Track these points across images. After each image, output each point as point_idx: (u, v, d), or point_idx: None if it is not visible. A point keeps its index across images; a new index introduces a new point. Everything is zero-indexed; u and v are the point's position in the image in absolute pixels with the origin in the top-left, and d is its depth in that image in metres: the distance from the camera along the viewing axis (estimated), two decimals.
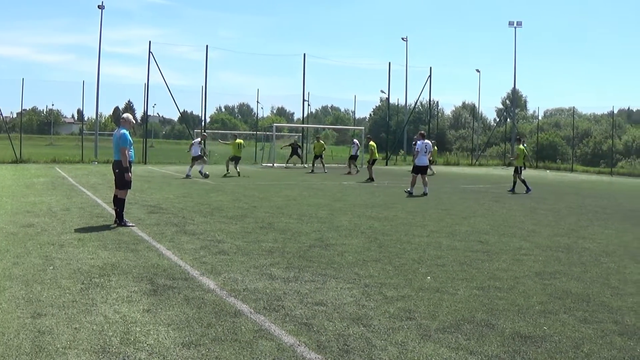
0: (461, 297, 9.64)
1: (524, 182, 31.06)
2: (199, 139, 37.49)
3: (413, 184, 27.88)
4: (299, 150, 54.18)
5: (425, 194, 27.27)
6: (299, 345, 7.12)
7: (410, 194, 27.35)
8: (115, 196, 15.94)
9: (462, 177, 43.91)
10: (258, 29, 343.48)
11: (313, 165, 45.05)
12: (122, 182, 15.72)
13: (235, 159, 38.27)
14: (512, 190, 31.08)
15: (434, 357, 6.91)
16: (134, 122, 16.35)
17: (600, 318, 8.80)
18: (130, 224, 15.59)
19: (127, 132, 15.64)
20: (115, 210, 15.95)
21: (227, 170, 38.74)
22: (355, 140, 48.72)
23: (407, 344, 7.26)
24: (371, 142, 39.05)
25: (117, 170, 15.84)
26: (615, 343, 7.68)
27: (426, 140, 28.80)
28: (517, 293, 10.04)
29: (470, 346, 7.31)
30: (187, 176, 34.74)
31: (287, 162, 51.86)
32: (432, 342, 7.39)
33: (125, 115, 16.28)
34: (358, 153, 47.54)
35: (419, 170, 28.37)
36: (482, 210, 21.99)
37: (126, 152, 15.43)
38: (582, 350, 7.36)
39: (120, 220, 15.78)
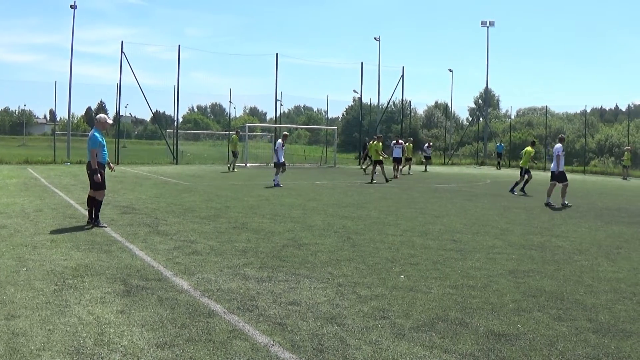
0: (435, 295, 9.67)
1: (518, 183, 31.07)
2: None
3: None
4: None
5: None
6: (273, 345, 7.12)
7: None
8: (89, 197, 15.84)
9: (435, 176, 43.99)
10: (230, 28, 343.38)
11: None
12: (93, 183, 15.62)
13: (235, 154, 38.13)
14: (523, 191, 30.62)
15: (408, 355, 6.93)
16: (109, 122, 16.26)
17: (574, 316, 8.86)
18: (103, 225, 15.53)
19: (97, 134, 15.56)
20: (88, 211, 15.88)
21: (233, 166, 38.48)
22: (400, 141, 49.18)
23: (381, 343, 7.28)
24: (378, 143, 36.93)
25: (88, 172, 15.81)
26: (589, 340, 7.73)
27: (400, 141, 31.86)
28: (491, 291, 10.08)
29: (444, 344, 7.34)
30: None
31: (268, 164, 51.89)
32: (406, 340, 7.41)
33: (98, 116, 16.20)
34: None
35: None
36: (456, 209, 22.06)
37: (95, 153, 15.39)
38: (557, 347, 7.40)
39: (94, 221, 15.72)
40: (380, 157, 35.48)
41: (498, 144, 65.90)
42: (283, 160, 31.92)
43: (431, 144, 57.18)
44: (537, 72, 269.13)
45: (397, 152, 39.06)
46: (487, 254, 13.36)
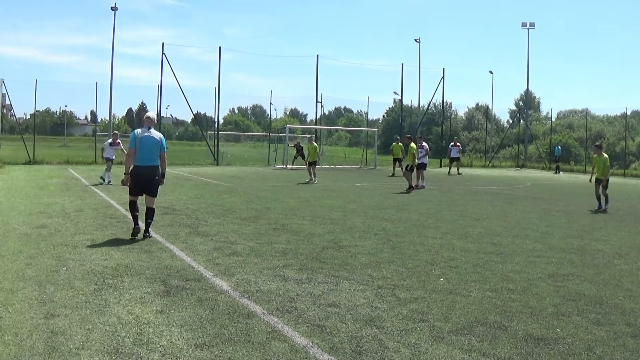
0: (474, 299, 9.64)
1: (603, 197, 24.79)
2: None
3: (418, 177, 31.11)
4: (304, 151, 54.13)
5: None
6: (312, 346, 7.12)
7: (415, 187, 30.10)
8: (133, 203, 14.71)
9: (476, 178, 43.78)
10: (270, 29, 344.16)
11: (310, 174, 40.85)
12: (156, 190, 14.70)
13: (312, 163, 37.15)
14: (600, 207, 24.40)
15: (446, 359, 6.91)
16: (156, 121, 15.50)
17: (613, 320, 8.79)
18: (152, 235, 14.57)
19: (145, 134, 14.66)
20: (147, 222, 14.68)
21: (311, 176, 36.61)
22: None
23: (419, 346, 7.26)
24: (411, 144, 33.26)
25: (156, 177, 14.54)
26: (628, 345, 7.67)
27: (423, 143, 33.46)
28: (530, 295, 10.03)
29: (483, 348, 7.31)
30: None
31: (292, 164, 51.62)
32: (444, 343, 7.39)
33: (153, 114, 15.24)
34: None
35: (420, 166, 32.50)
36: (496, 212, 21.97)
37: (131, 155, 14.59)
38: (595, 352, 7.35)
39: (148, 232, 14.61)
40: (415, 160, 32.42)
41: (556, 146, 65.16)
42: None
43: (458, 143, 53.96)
44: (578, 74, 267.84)
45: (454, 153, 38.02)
46: (526, 257, 13.29)
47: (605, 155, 23.95)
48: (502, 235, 16.26)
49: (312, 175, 34.47)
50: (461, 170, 51.37)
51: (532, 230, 17.56)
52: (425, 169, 33.73)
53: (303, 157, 53.03)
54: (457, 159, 50.46)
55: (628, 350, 7.50)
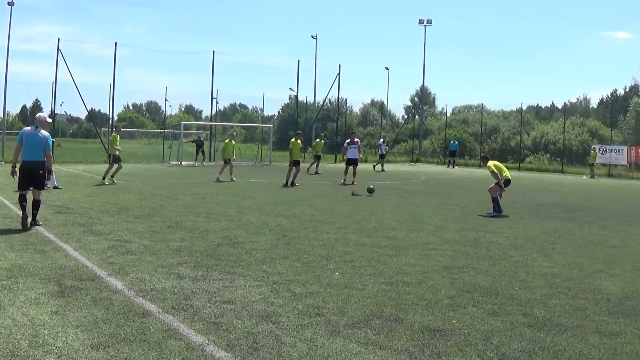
0: (369, 292, 9.73)
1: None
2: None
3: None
4: (203, 148, 53.80)
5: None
6: (208, 344, 7.12)
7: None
8: (22, 196, 15.42)
9: (370, 173, 44.01)
10: (168, 26, 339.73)
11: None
12: (42, 182, 15.49)
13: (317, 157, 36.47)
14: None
15: (343, 352, 6.97)
16: (49, 121, 16.11)
17: (509, 310, 8.99)
18: (40, 223, 15.36)
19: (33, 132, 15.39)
20: (33, 212, 15.49)
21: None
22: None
23: (316, 340, 7.31)
24: (295, 140, 32.87)
25: (41, 172, 15.33)
26: (525, 335, 7.86)
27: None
28: (426, 287, 10.18)
29: (379, 341, 7.39)
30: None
31: (195, 160, 51.33)
32: (341, 337, 7.45)
33: (37, 115, 16.05)
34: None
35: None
36: (390, 207, 22.19)
37: (19, 150, 15.32)
38: (492, 342, 7.51)
39: (35, 221, 15.45)
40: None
41: (452, 141, 65.87)
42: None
43: (386, 139, 54.94)
44: (474, 70, 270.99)
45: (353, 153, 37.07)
46: (421, 251, 13.48)
47: (490, 165, 23.02)
48: (397, 229, 16.44)
49: (290, 179, 33.00)
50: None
51: (426, 223, 17.80)
52: (356, 164, 34.38)
53: (203, 153, 52.73)
54: (383, 155, 50.92)
55: (525, 340, 7.68)
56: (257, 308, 8.64)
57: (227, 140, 36.11)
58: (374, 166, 50.87)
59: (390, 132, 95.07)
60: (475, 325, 8.21)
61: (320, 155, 44.34)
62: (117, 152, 29.47)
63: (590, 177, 51.99)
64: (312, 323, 8.00)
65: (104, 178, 29.06)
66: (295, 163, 31.48)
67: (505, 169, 21.90)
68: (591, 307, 9.45)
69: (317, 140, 45.90)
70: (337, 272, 11.11)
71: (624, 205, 27.17)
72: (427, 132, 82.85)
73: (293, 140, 32.07)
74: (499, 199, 21.05)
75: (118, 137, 30.46)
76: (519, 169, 60.88)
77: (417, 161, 71.40)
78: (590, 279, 11.48)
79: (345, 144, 34.79)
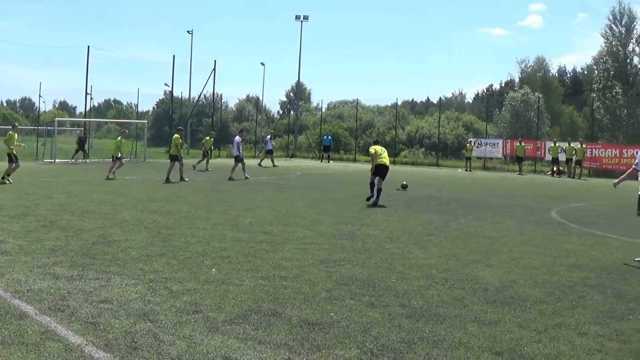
0: (247, 287, 9.72)
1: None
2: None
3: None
4: (85, 145, 52.93)
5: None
6: (86, 344, 6.99)
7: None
8: None
9: (246, 169, 43.89)
10: (42, 20, 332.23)
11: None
12: None
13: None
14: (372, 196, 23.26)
15: (222, 349, 6.93)
16: None
17: (387, 302, 9.08)
18: None
19: None
20: None
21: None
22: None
23: (194, 337, 7.26)
24: (175, 135, 33.06)
25: None
26: (403, 325, 7.95)
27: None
28: (303, 281, 10.21)
29: (258, 336, 7.38)
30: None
31: (72, 158, 50.39)
32: (219, 334, 7.41)
33: None
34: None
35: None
36: (266, 202, 22.19)
37: None
38: (371, 334, 7.57)
39: None
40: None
41: (325, 137, 66.12)
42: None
43: (273, 135, 55.52)
44: (350, 66, 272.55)
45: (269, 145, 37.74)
46: (298, 245, 13.53)
47: (371, 148, 23.77)
48: (273, 224, 16.44)
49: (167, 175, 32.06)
50: (228, 161, 51.28)
51: (302, 218, 17.85)
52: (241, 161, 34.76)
53: (84, 151, 51.80)
54: (271, 151, 50.87)
55: (404, 330, 7.77)
56: (134, 307, 8.52)
57: (118, 138, 35.58)
58: (260, 162, 50.76)
59: (265, 128, 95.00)
60: (354, 317, 8.27)
61: (208, 152, 44.38)
62: (14, 151, 28.85)
63: (467, 170, 52.93)
64: (190, 320, 7.93)
65: (2, 178, 28.29)
66: (173, 158, 31.61)
67: (384, 155, 22.69)
68: (469, 297, 9.64)
69: (207, 137, 45.75)
70: (213, 268, 11.05)
71: (499, 198, 27.78)
72: (302, 128, 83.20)
73: (175, 135, 32.32)
74: (375, 184, 21.58)
75: (15, 135, 29.73)
76: (394, 163, 61.54)
77: (292, 156, 71.59)
78: (467, 269, 11.71)
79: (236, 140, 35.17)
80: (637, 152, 14.20)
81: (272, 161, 50.07)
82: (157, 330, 7.52)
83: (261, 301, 8.95)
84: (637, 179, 13.91)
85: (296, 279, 10.36)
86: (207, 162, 43.38)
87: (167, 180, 30.38)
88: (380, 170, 22.51)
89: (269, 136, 52.82)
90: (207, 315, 8.15)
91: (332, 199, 23.74)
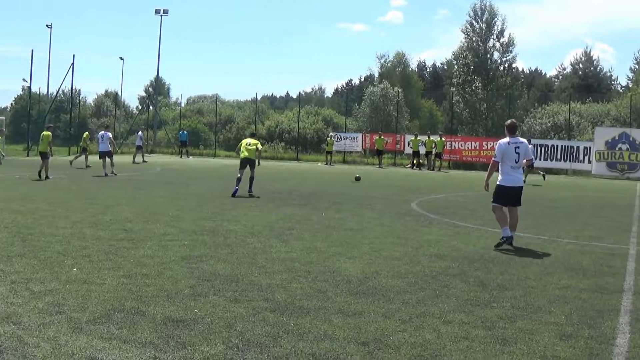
0: (109, 286, 9.61)
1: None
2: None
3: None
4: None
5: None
6: None
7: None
8: None
9: (130, 166, 43.25)
10: None
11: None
12: None
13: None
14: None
15: (87, 349, 6.84)
16: None
17: (251, 297, 9.12)
18: None
19: None
20: None
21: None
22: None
23: (59, 339, 7.13)
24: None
25: None
26: (268, 319, 8.00)
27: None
28: (165, 278, 10.17)
29: (122, 335, 7.30)
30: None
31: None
32: (84, 334, 7.31)
33: None
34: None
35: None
36: (126, 199, 21.99)
37: None
38: (236, 329, 7.59)
39: None
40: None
41: (180, 132, 65.77)
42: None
43: (144, 130, 55.81)
44: (209, 61, 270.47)
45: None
46: (159, 242, 13.45)
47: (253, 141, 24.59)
48: (133, 221, 16.30)
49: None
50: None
51: (162, 214, 17.75)
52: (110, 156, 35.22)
53: None
54: (140, 147, 50.41)
55: (268, 324, 7.82)
56: None
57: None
58: (134, 159, 50.30)
59: (124, 123, 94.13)
60: (218, 313, 8.28)
61: (86, 148, 43.60)
62: None
63: (327, 164, 53.33)
64: (54, 321, 7.79)
65: None
66: (43, 155, 31.19)
67: (248, 148, 24.09)
68: (332, 289, 9.75)
69: (86, 132, 45.68)
70: (75, 267, 10.86)
71: (359, 190, 28.21)
72: (161, 123, 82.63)
73: (47, 133, 32.29)
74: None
75: None
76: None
77: (152, 152, 70.99)
78: (329, 261, 11.84)
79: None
80: (496, 144, 14.87)
81: (142, 157, 49.82)
82: (20, 332, 7.36)
83: (124, 300, 8.86)
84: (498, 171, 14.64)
85: (158, 276, 10.30)
86: (86, 159, 42.52)
87: (47, 177, 30.22)
88: (242, 164, 24.47)
89: (139, 132, 52.33)
90: (71, 316, 8.02)
91: (192, 195, 23.69)
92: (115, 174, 33.52)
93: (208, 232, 14.82)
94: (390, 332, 7.75)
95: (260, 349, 7.02)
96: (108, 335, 7.29)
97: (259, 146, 25.15)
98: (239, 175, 24.26)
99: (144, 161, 48.79)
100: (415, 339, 7.51)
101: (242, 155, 24.48)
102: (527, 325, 8.27)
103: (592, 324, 8.43)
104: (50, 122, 58.10)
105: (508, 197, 14.65)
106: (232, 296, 9.16)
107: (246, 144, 24.64)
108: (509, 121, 14.94)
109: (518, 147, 14.40)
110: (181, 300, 8.89)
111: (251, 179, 24.18)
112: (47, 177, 30.20)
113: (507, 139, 14.50)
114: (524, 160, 14.73)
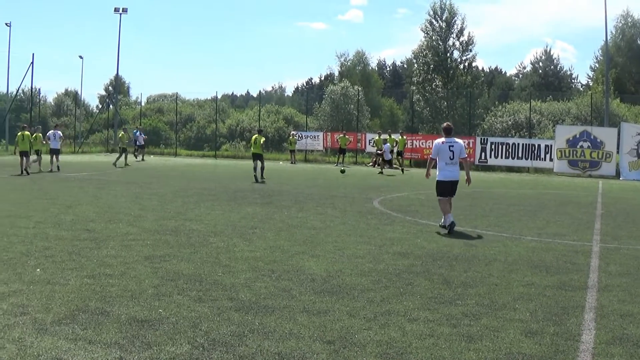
0: (73, 287, 9.59)
1: None
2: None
3: None
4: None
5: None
6: None
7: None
8: None
9: (66, 165, 42.93)
10: None
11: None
12: None
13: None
14: None
15: (53, 350, 6.83)
16: None
17: (215, 296, 9.14)
18: None
19: None
20: None
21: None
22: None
23: (24, 340, 7.11)
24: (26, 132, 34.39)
25: None
26: (232, 319, 8.03)
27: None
28: (129, 278, 10.17)
29: (87, 336, 7.30)
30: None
31: None
32: (49, 335, 7.30)
33: None
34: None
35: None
36: (87, 198, 21.88)
37: None
38: (201, 328, 7.62)
39: None
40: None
41: (135, 131, 65.60)
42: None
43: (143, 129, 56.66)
44: (169, 59, 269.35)
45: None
46: (121, 242, 13.43)
47: None
48: (96, 221, 16.24)
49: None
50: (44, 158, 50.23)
51: (125, 214, 17.69)
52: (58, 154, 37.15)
53: None
54: (143, 146, 50.23)
55: (233, 323, 7.85)
56: None
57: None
58: (141, 157, 50.25)
59: (84, 122, 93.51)
60: (183, 312, 8.29)
61: (125, 148, 44.36)
62: None
63: (291, 163, 53.39)
64: (19, 322, 7.76)
65: None
66: (23, 153, 32.83)
67: (254, 145, 29.79)
68: (296, 288, 9.79)
69: (122, 132, 46.02)
70: (38, 268, 10.82)
71: (321, 189, 28.25)
72: (122, 122, 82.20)
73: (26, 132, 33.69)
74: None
75: None
76: (215, 156, 61.70)
77: (112, 151, 70.64)
78: (292, 260, 11.89)
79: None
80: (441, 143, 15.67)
81: (142, 156, 50.00)
82: None
83: (88, 300, 8.85)
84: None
85: (122, 276, 10.29)
86: (126, 158, 43.76)
87: (27, 173, 32.31)
88: (254, 158, 32.26)
89: (137, 131, 52.23)
90: (35, 317, 8.00)
91: (154, 194, 23.59)
92: (59, 170, 35.67)
93: (171, 232, 14.80)
94: (355, 330, 7.80)
95: (226, 349, 7.03)
96: (73, 336, 7.27)
97: (262, 140, 31.86)
98: (254, 165, 31.84)
99: (142, 159, 48.88)
100: (380, 337, 7.56)
101: (252, 150, 32.28)
102: (492, 322, 8.35)
103: (557, 320, 8.54)
104: (11, 121, 57.80)
105: (445, 189, 16.20)
106: (196, 296, 9.17)
107: (254, 141, 32.42)
108: (444, 124, 16.56)
109: (452, 146, 16.10)
110: (145, 300, 8.89)
111: (262, 168, 32.04)
112: (27, 173, 32.00)
113: (442, 139, 16.15)
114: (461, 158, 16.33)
